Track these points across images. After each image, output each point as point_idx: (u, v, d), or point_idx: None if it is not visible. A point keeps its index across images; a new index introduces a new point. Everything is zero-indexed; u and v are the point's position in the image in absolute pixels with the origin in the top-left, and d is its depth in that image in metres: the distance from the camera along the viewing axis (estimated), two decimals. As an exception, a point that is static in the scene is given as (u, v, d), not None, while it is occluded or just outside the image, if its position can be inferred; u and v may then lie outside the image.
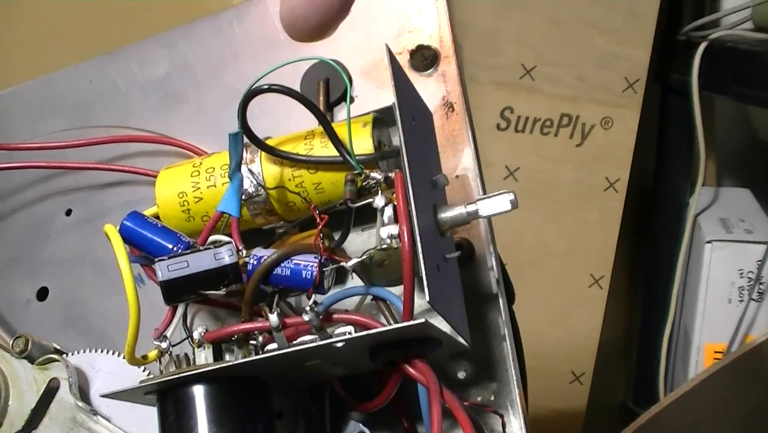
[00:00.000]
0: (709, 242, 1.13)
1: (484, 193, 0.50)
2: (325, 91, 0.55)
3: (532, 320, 1.16)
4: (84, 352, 0.54)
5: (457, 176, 0.51)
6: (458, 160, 0.52)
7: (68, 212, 0.62)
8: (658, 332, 1.21)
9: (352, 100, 0.56)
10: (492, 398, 0.47)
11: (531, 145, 1.17)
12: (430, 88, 0.53)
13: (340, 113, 0.55)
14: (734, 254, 1.12)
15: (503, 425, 0.45)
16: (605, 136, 1.15)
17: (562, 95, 1.16)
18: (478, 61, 1.17)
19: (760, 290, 1.10)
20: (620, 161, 1.15)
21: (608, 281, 1.16)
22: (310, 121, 0.48)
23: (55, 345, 0.55)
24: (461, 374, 0.48)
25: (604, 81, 1.14)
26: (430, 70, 0.54)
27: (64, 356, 0.54)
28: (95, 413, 0.51)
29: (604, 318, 1.17)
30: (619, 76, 1.14)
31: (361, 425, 0.44)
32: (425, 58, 0.54)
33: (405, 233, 0.39)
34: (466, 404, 0.45)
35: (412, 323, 0.38)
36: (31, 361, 0.53)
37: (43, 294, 0.61)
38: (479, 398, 0.47)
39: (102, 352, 0.54)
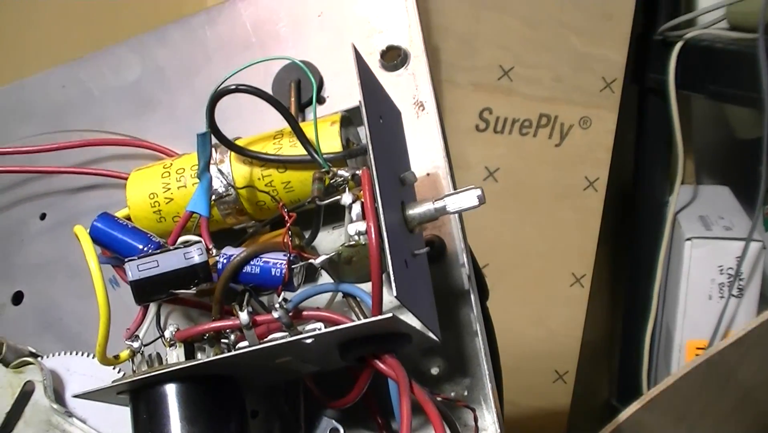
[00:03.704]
0: (688, 239, 1.13)
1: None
2: (297, 93, 0.55)
3: (514, 320, 1.17)
4: (59, 355, 0.54)
5: (428, 174, 0.52)
6: (429, 158, 0.52)
7: (42, 216, 0.63)
8: (640, 330, 1.21)
9: (322, 100, 0.56)
10: (465, 394, 0.48)
11: (510, 146, 1.17)
12: (401, 88, 0.54)
13: (312, 114, 0.55)
14: (714, 251, 1.12)
15: (475, 420, 0.46)
16: (584, 136, 1.16)
17: (540, 96, 1.16)
18: (456, 64, 1.17)
19: (740, 286, 1.11)
20: (599, 161, 1.16)
21: (590, 280, 1.17)
22: (281, 123, 0.49)
23: (30, 349, 0.55)
24: (434, 370, 0.49)
25: (582, 81, 1.15)
26: (400, 70, 0.54)
27: (39, 359, 0.54)
28: (70, 415, 0.51)
29: (587, 317, 1.17)
30: (596, 76, 1.15)
31: (333, 421, 0.44)
32: (395, 58, 0.54)
33: (372, 230, 0.39)
34: (438, 399, 0.45)
35: (379, 318, 0.38)
36: (6, 364, 0.53)
37: (18, 298, 0.61)
38: (452, 394, 0.48)
39: (77, 354, 0.54)
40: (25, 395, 0.52)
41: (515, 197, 1.17)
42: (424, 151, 0.52)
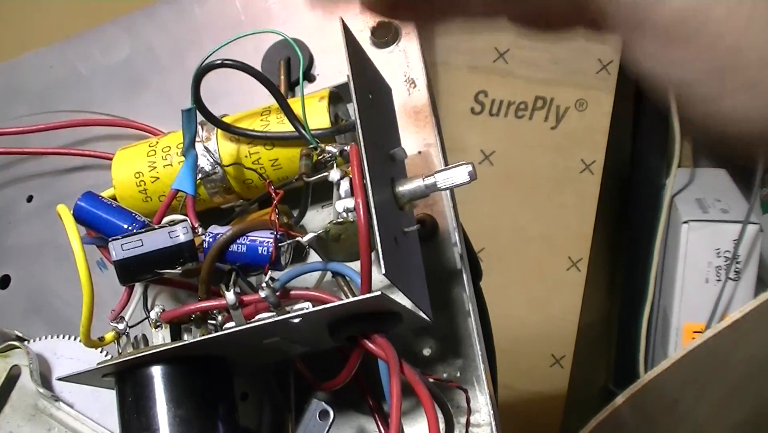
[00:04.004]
0: (686, 222, 1.13)
1: (448, 169, 0.50)
2: (286, 71, 0.55)
3: (511, 304, 1.16)
4: (46, 339, 0.54)
5: (419, 153, 0.51)
6: (421, 136, 0.51)
7: (30, 199, 0.62)
8: (637, 314, 1.21)
9: (312, 78, 0.55)
10: (458, 375, 0.47)
11: (506, 128, 1.17)
12: (392, 65, 0.53)
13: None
14: (711, 233, 1.12)
15: (468, 401, 0.45)
16: (580, 119, 1.15)
17: (536, 78, 1.16)
18: (452, 46, 1.16)
19: (736, 269, 1.10)
20: (595, 143, 1.15)
21: (586, 264, 1.16)
22: (270, 102, 0.48)
23: (17, 332, 0.54)
24: (426, 351, 0.48)
25: (578, 63, 1.14)
26: (391, 47, 0.54)
27: (26, 343, 0.53)
28: (57, 399, 0.51)
29: (584, 302, 1.17)
30: (593, 58, 1.14)
31: (323, 403, 0.43)
32: (386, 35, 0.53)
33: (360, 206, 0.39)
34: (430, 380, 0.44)
35: (368, 296, 0.37)
36: (-8, 348, 0.53)
37: (5, 282, 0.61)
38: (444, 375, 0.47)
39: (64, 338, 0.53)
40: (11, 380, 0.52)
41: (511, 181, 1.17)
42: (416, 129, 0.51)
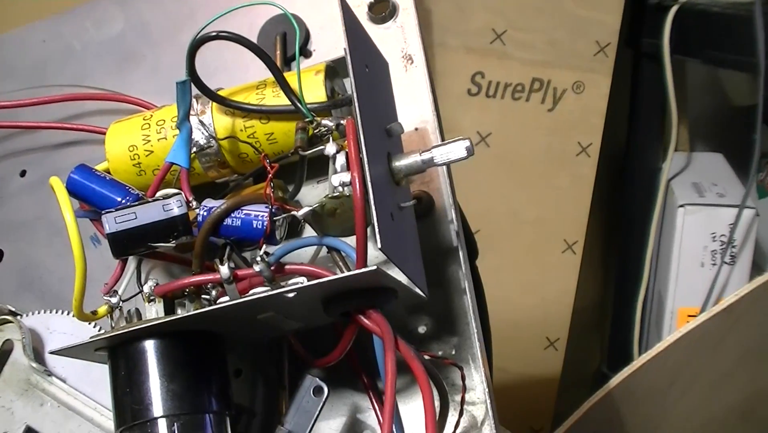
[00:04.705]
0: (681, 206, 1.13)
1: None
2: (282, 46, 0.54)
3: (505, 286, 1.16)
4: (39, 313, 0.53)
5: (416, 129, 0.51)
6: (417, 112, 0.51)
7: (23, 173, 0.61)
8: (631, 298, 1.21)
9: (309, 54, 0.55)
10: (453, 353, 0.47)
11: (502, 110, 1.16)
12: (389, 41, 0.53)
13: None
14: (707, 217, 1.12)
15: (463, 378, 0.45)
16: (577, 101, 1.15)
17: (533, 60, 1.15)
18: (449, 27, 1.16)
19: (732, 254, 1.10)
20: (592, 126, 1.15)
21: (581, 247, 1.16)
22: (266, 76, 0.47)
23: (10, 307, 0.54)
24: (422, 329, 0.48)
25: (575, 45, 1.14)
26: (388, 23, 0.53)
27: (18, 317, 0.53)
28: (50, 373, 0.51)
29: (579, 285, 1.17)
30: (590, 40, 1.13)
31: (317, 379, 0.43)
32: (383, 10, 0.53)
33: (356, 180, 0.38)
34: (426, 357, 0.44)
35: (363, 270, 0.37)
36: (-17, 323, 0.52)
37: (-3, 257, 0.61)
38: (440, 352, 0.47)
39: (57, 313, 0.53)
40: (3, 354, 0.52)
41: (507, 163, 1.16)
42: (413, 105, 0.51)
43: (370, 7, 0.54)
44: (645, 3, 1.20)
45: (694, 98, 1.29)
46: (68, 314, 0.53)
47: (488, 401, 0.45)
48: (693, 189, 1.17)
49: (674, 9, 1.15)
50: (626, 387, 0.87)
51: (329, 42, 0.55)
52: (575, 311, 1.17)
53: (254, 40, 0.55)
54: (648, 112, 1.25)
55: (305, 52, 0.55)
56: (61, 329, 0.53)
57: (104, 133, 0.52)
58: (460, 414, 0.44)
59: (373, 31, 0.52)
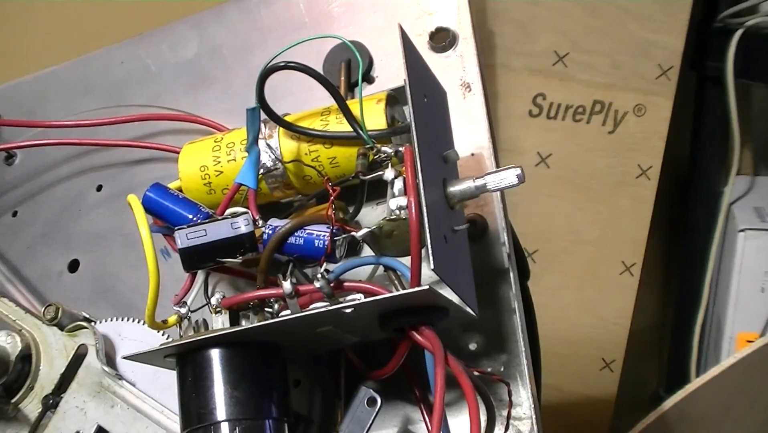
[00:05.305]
0: (742, 230, 1.13)
1: (499, 171, 0.51)
2: (347, 73, 0.57)
3: (563, 306, 1.17)
4: (111, 320, 0.56)
5: (472, 155, 0.53)
6: (474, 138, 0.53)
7: (99, 188, 0.65)
8: (690, 321, 1.21)
9: (372, 80, 0.57)
10: (502, 369, 0.49)
11: (563, 132, 1.17)
12: (449, 69, 0.55)
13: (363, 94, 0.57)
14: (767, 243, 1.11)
15: (509, 394, 0.46)
16: (638, 124, 1.15)
17: (594, 82, 1.16)
18: (512, 48, 1.17)
19: (792, 280, 1.10)
20: (653, 149, 1.15)
21: (639, 269, 1.16)
22: (331, 102, 0.50)
23: (84, 314, 0.57)
24: (472, 346, 0.49)
25: (638, 68, 1.14)
26: (448, 52, 0.55)
27: (93, 324, 0.56)
28: (120, 377, 0.54)
29: (637, 307, 1.17)
30: (653, 63, 1.14)
31: (371, 390, 0.45)
32: (444, 40, 0.55)
33: (412, 204, 0.40)
34: (475, 373, 0.46)
35: (416, 289, 0.39)
36: (61, 328, 0.56)
37: (74, 266, 0.64)
38: (489, 369, 0.49)
39: (128, 321, 0.56)
40: (78, 358, 0.55)
41: (567, 184, 1.17)
42: (470, 131, 0.53)
43: (431, 36, 0.56)
44: (709, 26, 1.20)
45: (759, 122, 1.29)
46: (139, 321, 0.56)
47: (534, 417, 0.46)
48: (755, 213, 1.16)
49: (739, 33, 1.15)
50: (681, 410, 0.87)
51: (392, 68, 0.57)
52: (632, 333, 1.17)
53: (320, 66, 0.57)
54: (711, 135, 1.25)
55: (368, 79, 0.57)
56: (132, 336, 0.56)
57: (177, 152, 0.55)
58: (506, 428, 0.46)
59: (433, 59, 0.55)
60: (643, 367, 1.30)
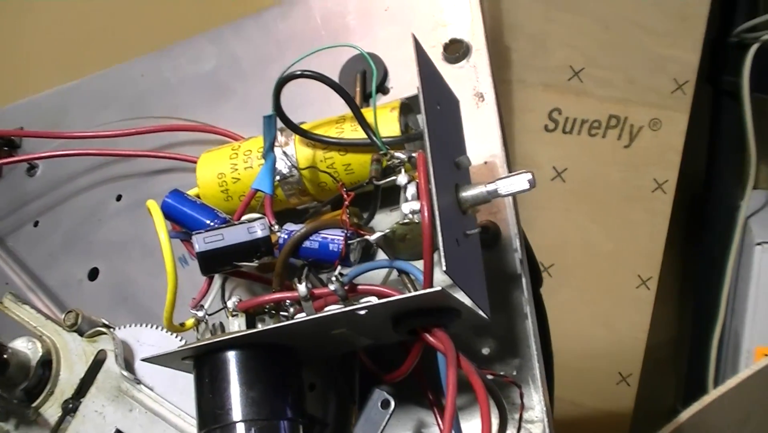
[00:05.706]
0: (759, 243, 1.13)
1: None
2: (362, 83, 0.58)
3: (579, 320, 1.17)
4: (130, 327, 0.57)
5: (485, 163, 0.53)
6: (487, 146, 0.54)
7: (119, 198, 0.66)
8: (707, 336, 1.20)
9: (386, 90, 0.58)
10: (514, 373, 0.49)
11: (579, 146, 1.18)
12: (462, 79, 0.56)
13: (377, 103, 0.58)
14: (785, 256, 1.11)
15: (521, 396, 0.47)
16: (653, 138, 1.16)
17: (610, 97, 1.17)
18: (528, 64, 1.18)
19: (810, 293, 1.09)
20: (669, 163, 1.15)
21: (656, 282, 1.16)
22: (346, 111, 0.51)
23: (104, 320, 0.58)
24: (485, 350, 0.50)
25: (653, 83, 1.15)
26: (462, 62, 0.56)
27: (112, 330, 0.57)
28: (139, 382, 0.54)
29: (654, 321, 1.17)
30: (668, 77, 1.14)
31: (384, 393, 0.46)
32: (457, 50, 0.56)
33: (425, 208, 0.41)
34: (489, 377, 0.47)
35: (428, 291, 0.40)
36: (81, 334, 0.57)
37: (94, 274, 0.65)
38: (502, 373, 0.49)
39: (146, 327, 0.57)
40: (97, 363, 0.56)
41: (583, 198, 1.18)
42: (483, 140, 0.54)
43: (445, 47, 0.57)
44: (725, 41, 1.21)
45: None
46: (157, 328, 0.57)
47: (545, 420, 0.47)
48: (771, 227, 1.16)
49: (755, 47, 1.16)
50: (697, 422, 0.87)
51: (407, 79, 0.58)
52: (649, 347, 1.17)
53: (337, 76, 0.59)
54: (727, 149, 1.25)
55: (383, 89, 0.58)
56: (150, 341, 0.56)
57: (194, 162, 0.56)
58: (518, 430, 0.47)
59: (447, 70, 0.56)
60: (660, 381, 1.30)
